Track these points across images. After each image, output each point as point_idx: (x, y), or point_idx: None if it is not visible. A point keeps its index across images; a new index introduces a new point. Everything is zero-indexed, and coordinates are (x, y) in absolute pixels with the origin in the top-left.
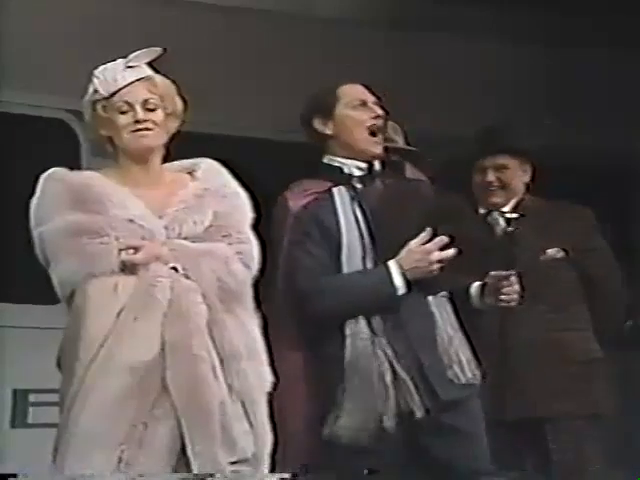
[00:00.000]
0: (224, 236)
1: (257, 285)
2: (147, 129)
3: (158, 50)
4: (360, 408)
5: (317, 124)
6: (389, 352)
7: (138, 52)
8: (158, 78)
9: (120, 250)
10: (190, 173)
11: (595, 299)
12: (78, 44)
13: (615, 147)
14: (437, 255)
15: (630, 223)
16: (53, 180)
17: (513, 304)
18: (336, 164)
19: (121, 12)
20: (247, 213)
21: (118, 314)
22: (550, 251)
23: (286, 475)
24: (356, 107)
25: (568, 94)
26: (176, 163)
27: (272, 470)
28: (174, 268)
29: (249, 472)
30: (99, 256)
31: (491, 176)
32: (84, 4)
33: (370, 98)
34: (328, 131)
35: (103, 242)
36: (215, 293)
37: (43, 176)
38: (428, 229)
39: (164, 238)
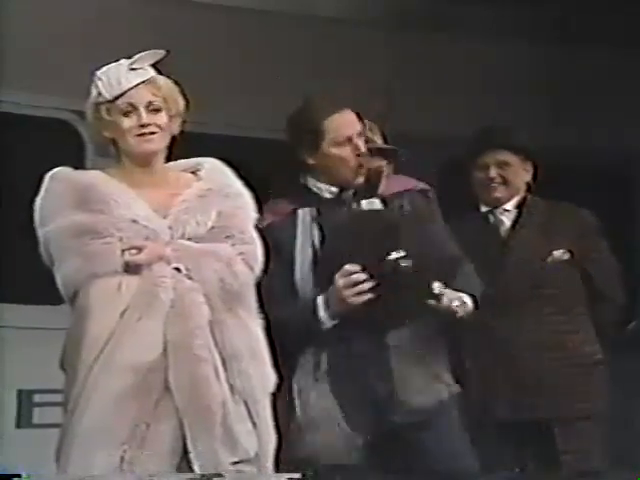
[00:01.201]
0: (227, 237)
1: (260, 286)
2: (151, 133)
3: (161, 52)
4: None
5: (301, 153)
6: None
7: (141, 54)
8: (162, 80)
9: (123, 250)
10: (194, 172)
11: (598, 302)
12: (82, 44)
13: (616, 147)
14: (348, 292)
15: (630, 223)
16: (57, 179)
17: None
18: (310, 186)
19: (125, 12)
20: (250, 213)
21: (121, 314)
22: (556, 253)
23: (295, 475)
24: (341, 144)
25: (570, 93)
26: (180, 162)
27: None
28: (177, 269)
29: (253, 472)
30: (102, 256)
31: (493, 172)
32: (87, 4)
33: (356, 130)
34: (311, 161)
35: (106, 242)
36: (217, 294)
37: (47, 175)
38: (346, 266)
39: (168, 238)
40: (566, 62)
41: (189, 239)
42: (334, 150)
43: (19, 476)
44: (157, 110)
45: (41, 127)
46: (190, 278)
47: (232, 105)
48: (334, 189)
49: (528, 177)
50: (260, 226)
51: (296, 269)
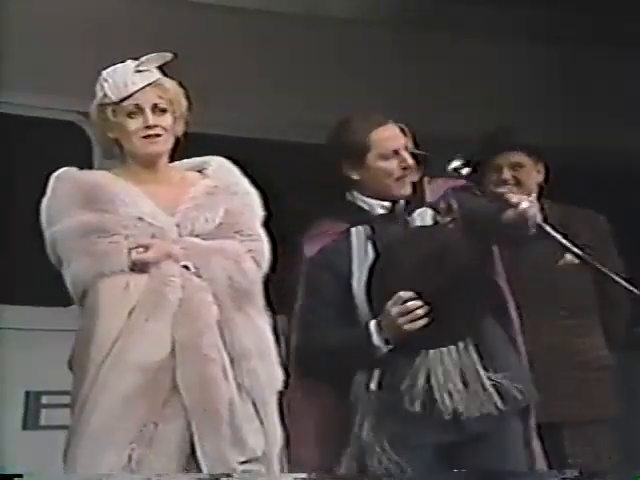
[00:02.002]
0: (235, 233)
1: (267, 283)
2: (157, 135)
3: (169, 55)
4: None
5: (345, 169)
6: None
7: (149, 56)
8: (168, 82)
9: (130, 249)
10: (200, 171)
11: (607, 306)
12: (88, 45)
13: (620, 148)
14: (402, 320)
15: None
16: (63, 180)
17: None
18: (359, 202)
19: (126, 12)
20: (258, 211)
21: (129, 313)
22: (568, 256)
23: (302, 475)
24: (388, 157)
25: (574, 94)
26: (186, 161)
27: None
28: (185, 266)
29: (261, 471)
30: (109, 255)
31: (507, 174)
32: (92, 4)
33: (402, 144)
34: (356, 177)
35: (113, 241)
36: (226, 292)
37: (53, 176)
38: (400, 294)
39: (176, 236)
40: (571, 63)
41: (197, 236)
42: (380, 164)
43: (21, 476)
44: (162, 112)
45: (49, 128)
46: (199, 276)
47: (233, 106)
48: (386, 204)
49: (540, 179)
50: (310, 254)
51: (355, 293)
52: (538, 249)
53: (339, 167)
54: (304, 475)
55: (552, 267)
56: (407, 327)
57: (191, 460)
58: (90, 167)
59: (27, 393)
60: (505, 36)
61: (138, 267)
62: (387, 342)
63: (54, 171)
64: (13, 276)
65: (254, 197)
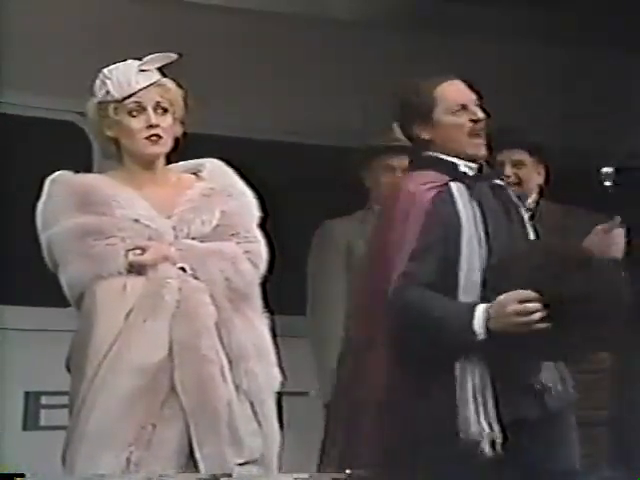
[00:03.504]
0: (232, 235)
1: (265, 284)
2: (159, 137)
3: (173, 56)
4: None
5: (416, 130)
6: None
7: (153, 55)
8: (170, 83)
9: (127, 251)
10: (195, 174)
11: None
12: (88, 45)
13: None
14: (518, 319)
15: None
16: (59, 183)
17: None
18: (449, 160)
19: (126, 12)
20: (254, 212)
21: (127, 315)
22: None
23: (302, 475)
24: (456, 112)
25: (574, 94)
26: (181, 164)
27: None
28: (182, 268)
29: (259, 473)
30: (106, 257)
31: (508, 170)
32: (92, 5)
33: (470, 98)
34: (427, 136)
35: (109, 243)
36: (223, 293)
37: (49, 179)
38: (528, 292)
39: (172, 238)
40: (570, 63)
41: (194, 239)
42: (449, 118)
43: (22, 475)
44: (164, 112)
45: (49, 129)
46: (196, 278)
47: (232, 106)
48: (472, 164)
49: (540, 180)
50: (420, 199)
51: (462, 245)
52: None
53: (410, 130)
54: (304, 475)
55: None
56: (519, 328)
57: (189, 461)
58: (90, 167)
59: (27, 393)
60: (505, 36)
61: (135, 269)
62: (487, 331)
63: (54, 171)
64: (13, 276)
65: (250, 198)
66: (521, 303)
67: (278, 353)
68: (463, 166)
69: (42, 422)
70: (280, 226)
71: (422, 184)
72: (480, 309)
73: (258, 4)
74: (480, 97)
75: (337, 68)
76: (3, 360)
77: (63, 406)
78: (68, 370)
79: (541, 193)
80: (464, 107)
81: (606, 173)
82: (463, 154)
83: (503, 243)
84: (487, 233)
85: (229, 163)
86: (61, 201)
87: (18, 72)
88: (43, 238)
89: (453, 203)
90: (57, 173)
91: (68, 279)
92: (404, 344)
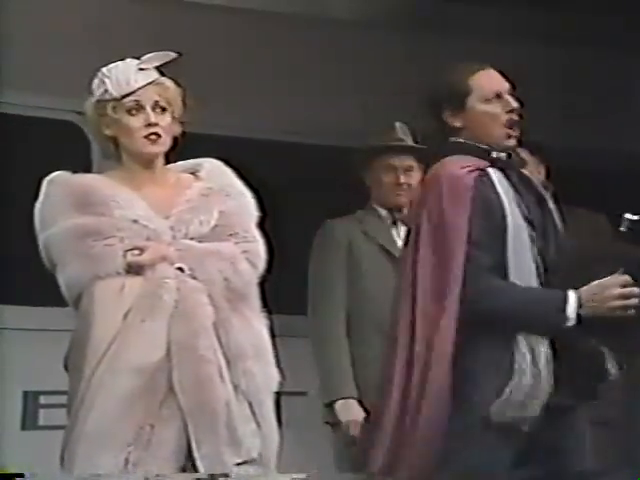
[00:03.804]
0: (230, 235)
1: (263, 284)
2: (157, 135)
3: (172, 54)
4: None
5: (447, 116)
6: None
7: (151, 54)
8: (168, 82)
9: (126, 251)
10: (193, 173)
11: None
12: (88, 45)
13: (620, 148)
14: (618, 303)
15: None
16: (56, 184)
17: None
18: (482, 147)
19: (130, 13)
20: (252, 212)
21: (125, 315)
22: None
23: (299, 475)
24: (490, 100)
25: (574, 94)
26: (179, 164)
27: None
28: (180, 269)
29: (257, 473)
30: (104, 258)
31: None
32: (92, 5)
33: (505, 88)
34: (458, 124)
35: (108, 244)
36: (222, 293)
37: (46, 180)
38: (622, 276)
39: (170, 238)
40: (571, 63)
41: (192, 239)
42: (484, 107)
43: (22, 475)
44: (162, 110)
45: (48, 128)
46: (194, 278)
47: (232, 106)
48: (501, 154)
49: (541, 179)
50: (468, 182)
51: (508, 229)
52: None
53: (440, 115)
54: (302, 475)
55: None
56: (617, 312)
57: (188, 461)
58: (89, 167)
59: (25, 393)
60: (505, 36)
61: (133, 269)
62: (579, 318)
63: (54, 171)
64: (12, 276)
65: (248, 198)
66: (621, 288)
67: (276, 353)
68: (495, 154)
69: (41, 422)
70: (280, 226)
71: (462, 167)
72: (571, 295)
73: (258, 4)
74: (514, 87)
75: (337, 68)
76: (2, 359)
77: (62, 406)
78: (66, 370)
79: None
80: (498, 96)
81: (627, 219)
82: (495, 144)
83: (540, 231)
84: (527, 219)
85: (229, 163)
86: (59, 202)
87: (18, 72)
88: (41, 239)
89: (494, 187)
90: (54, 174)
91: (66, 279)
92: (487, 329)
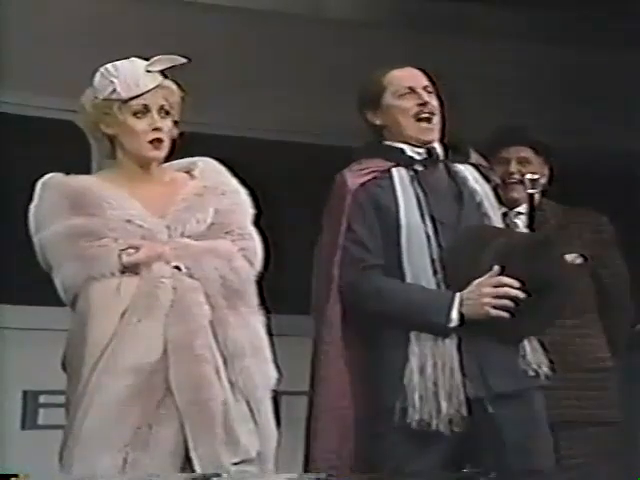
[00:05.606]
0: (226, 233)
1: (261, 283)
2: (160, 141)
3: (181, 59)
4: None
5: (369, 116)
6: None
7: (160, 57)
8: (173, 86)
9: (121, 251)
10: (188, 172)
11: (607, 308)
12: (88, 45)
13: (620, 148)
14: (495, 302)
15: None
16: (50, 186)
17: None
18: (397, 145)
19: (130, 13)
20: (248, 210)
21: (121, 316)
22: (569, 256)
23: (293, 475)
24: (402, 95)
25: (574, 94)
26: (174, 163)
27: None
28: (177, 267)
29: (255, 472)
30: (99, 258)
31: (513, 167)
32: (92, 5)
33: (420, 83)
34: (378, 122)
35: (102, 244)
36: (218, 291)
37: (40, 182)
38: (496, 267)
39: (165, 237)
40: (571, 63)
41: (189, 237)
42: (395, 102)
43: (16, 476)
44: (167, 114)
45: (47, 128)
46: (191, 276)
47: (232, 106)
48: (420, 150)
49: (544, 180)
50: (352, 187)
51: (402, 227)
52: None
53: (365, 117)
54: (294, 475)
55: None
56: (494, 312)
57: (186, 461)
58: (89, 167)
59: (25, 392)
60: (505, 36)
61: (129, 269)
62: (461, 318)
63: (53, 171)
64: (11, 276)
65: (243, 196)
66: (498, 287)
67: (274, 350)
68: (410, 151)
69: (40, 421)
70: (280, 226)
71: (360, 174)
72: (457, 297)
73: (258, 4)
74: (434, 84)
75: (337, 68)
76: (2, 359)
77: (61, 405)
78: (64, 370)
79: (544, 194)
80: (412, 90)
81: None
82: (410, 138)
83: (451, 227)
84: (432, 217)
85: (228, 162)
86: (52, 204)
87: (18, 72)
88: (36, 241)
89: (392, 188)
90: (48, 176)
91: (62, 281)
92: (367, 326)
